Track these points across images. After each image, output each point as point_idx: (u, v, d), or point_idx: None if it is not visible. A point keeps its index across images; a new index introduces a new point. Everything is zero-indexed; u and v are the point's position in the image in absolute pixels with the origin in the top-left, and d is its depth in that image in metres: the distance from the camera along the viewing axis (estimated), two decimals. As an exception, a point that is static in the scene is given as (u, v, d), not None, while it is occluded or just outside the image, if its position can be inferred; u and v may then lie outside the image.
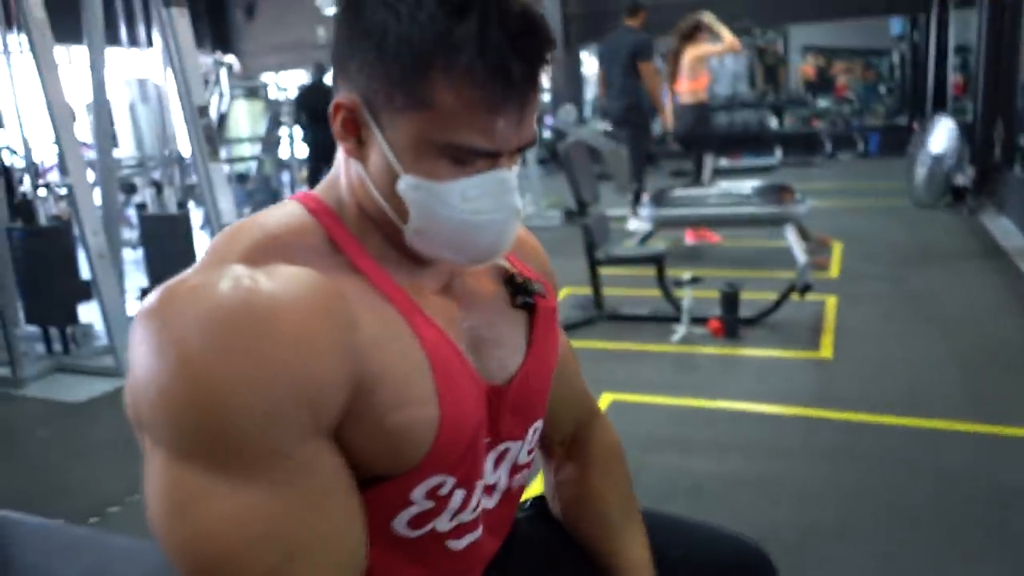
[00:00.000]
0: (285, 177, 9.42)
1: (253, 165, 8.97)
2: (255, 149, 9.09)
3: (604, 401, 2.94)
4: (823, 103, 11.19)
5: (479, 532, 0.77)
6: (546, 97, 12.16)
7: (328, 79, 8.42)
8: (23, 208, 3.89)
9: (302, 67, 9.21)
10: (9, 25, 4.23)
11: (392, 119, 0.64)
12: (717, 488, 2.26)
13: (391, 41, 0.62)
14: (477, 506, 0.76)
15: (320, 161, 8.31)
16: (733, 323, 3.56)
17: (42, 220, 4.02)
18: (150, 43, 5.57)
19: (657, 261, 3.79)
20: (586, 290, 4.05)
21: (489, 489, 0.79)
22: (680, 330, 3.62)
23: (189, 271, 0.63)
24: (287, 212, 0.70)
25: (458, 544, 0.75)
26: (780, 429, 2.64)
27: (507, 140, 0.65)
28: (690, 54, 5.74)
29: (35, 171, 4.49)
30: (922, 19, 9.94)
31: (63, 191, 3.88)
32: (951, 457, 2.36)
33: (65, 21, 3.78)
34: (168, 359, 0.56)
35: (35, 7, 3.26)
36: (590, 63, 12.24)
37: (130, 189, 6.87)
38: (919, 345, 3.34)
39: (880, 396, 2.82)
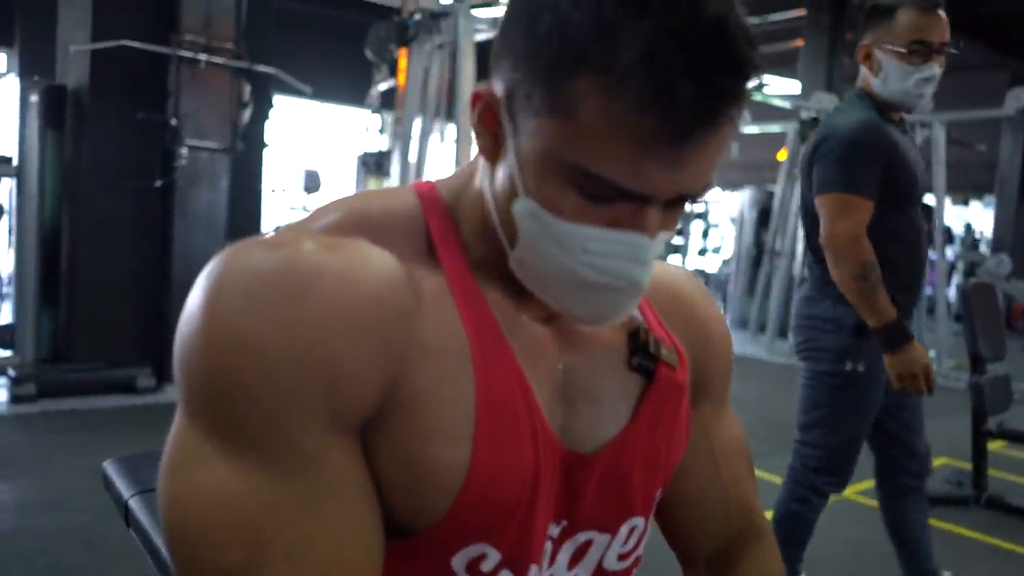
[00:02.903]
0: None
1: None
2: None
3: (945, 599, 2.32)
4: None
5: None
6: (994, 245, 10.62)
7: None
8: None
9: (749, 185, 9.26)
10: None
11: (527, 122, 0.52)
12: None
13: (544, 23, 0.49)
14: None
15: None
16: None
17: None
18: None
19: (1071, 449, 2.95)
20: (966, 464, 3.31)
21: None
22: (1091, 545, 2.73)
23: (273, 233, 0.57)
24: (398, 194, 0.61)
25: None
26: None
27: (660, 183, 0.50)
28: None
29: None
30: None
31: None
32: None
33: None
34: (197, 310, 0.51)
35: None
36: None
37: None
38: None
39: None
